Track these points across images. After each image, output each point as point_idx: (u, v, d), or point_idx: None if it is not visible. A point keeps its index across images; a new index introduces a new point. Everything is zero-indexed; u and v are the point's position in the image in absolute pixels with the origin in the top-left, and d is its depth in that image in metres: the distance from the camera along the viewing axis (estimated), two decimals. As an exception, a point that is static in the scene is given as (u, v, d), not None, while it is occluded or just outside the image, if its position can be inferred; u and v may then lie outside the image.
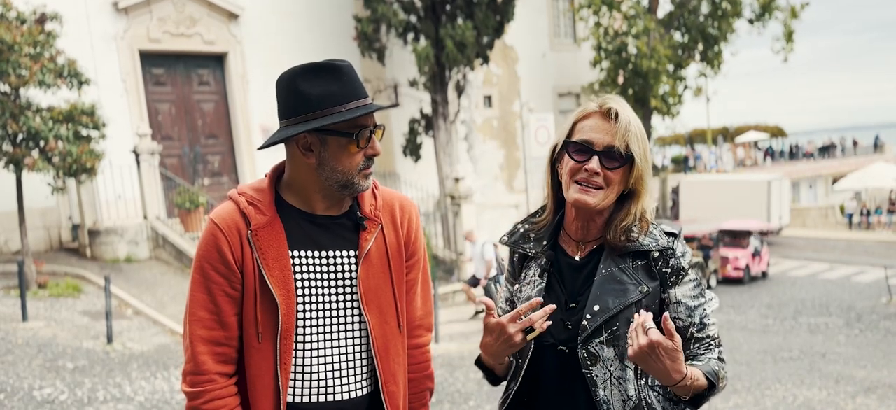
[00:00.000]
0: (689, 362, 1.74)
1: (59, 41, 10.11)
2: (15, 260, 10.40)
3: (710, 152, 34.91)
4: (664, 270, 1.78)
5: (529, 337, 1.73)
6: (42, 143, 9.59)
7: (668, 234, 1.81)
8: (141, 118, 13.86)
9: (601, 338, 1.74)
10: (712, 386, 1.72)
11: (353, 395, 1.88)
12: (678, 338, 1.60)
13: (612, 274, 1.77)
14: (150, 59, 14.39)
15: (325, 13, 16.54)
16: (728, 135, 44.81)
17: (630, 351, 1.61)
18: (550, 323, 1.72)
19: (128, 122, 13.43)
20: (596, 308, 1.73)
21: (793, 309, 15.46)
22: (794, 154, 40.24)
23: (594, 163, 1.74)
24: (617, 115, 1.76)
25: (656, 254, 1.78)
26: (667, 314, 1.61)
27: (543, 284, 1.84)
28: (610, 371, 1.74)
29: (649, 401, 1.75)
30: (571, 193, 1.78)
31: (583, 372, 1.75)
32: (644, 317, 1.61)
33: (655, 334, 1.58)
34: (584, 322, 1.74)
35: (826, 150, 41.08)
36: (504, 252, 10.91)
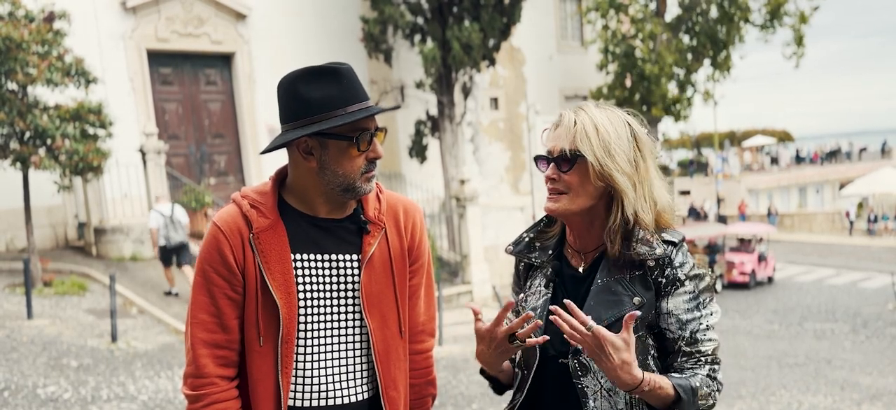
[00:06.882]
0: (667, 374, 1.72)
1: (67, 39, 10.14)
2: (21, 258, 10.43)
3: (717, 156, 34.81)
4: (660, 280, 1.75)
5: (514, 344, 1.72)
6: (49, 141, 9.62)
7: (667, 243, 1.76)
8: (148, 117, 13.90)
9: None
10: (679, 400, 1.66)
11: (353, 399, 1.88)
12: (631, 337, 1.58)
13: (607, 285, 1.76)
14: (157, 59, 14.43)
15: (333, 14, 16.56)
16: (735, 139, 44.67)
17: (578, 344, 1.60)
18: (544, 336, 1.70)
19: (134, 121, 13.47)
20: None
21: (798, 314, 15.41)
22: (800, 159, 40.08)
23: (550, 170, 1.78)
24: (563, 119, 1.79)
25: (652, 263, 1.75)
26: (633, 312, 1.59)
27: (549, 295, 1.83)
28: (600, 383, 1.72)
29: None
30: (545, 203, 1.81)
31: (574, 383, 1.74)
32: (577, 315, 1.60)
33: (601, 329, 1.57)
34: None
35: (833, 155, 40.93)
36: (182, 215, 9.84)
